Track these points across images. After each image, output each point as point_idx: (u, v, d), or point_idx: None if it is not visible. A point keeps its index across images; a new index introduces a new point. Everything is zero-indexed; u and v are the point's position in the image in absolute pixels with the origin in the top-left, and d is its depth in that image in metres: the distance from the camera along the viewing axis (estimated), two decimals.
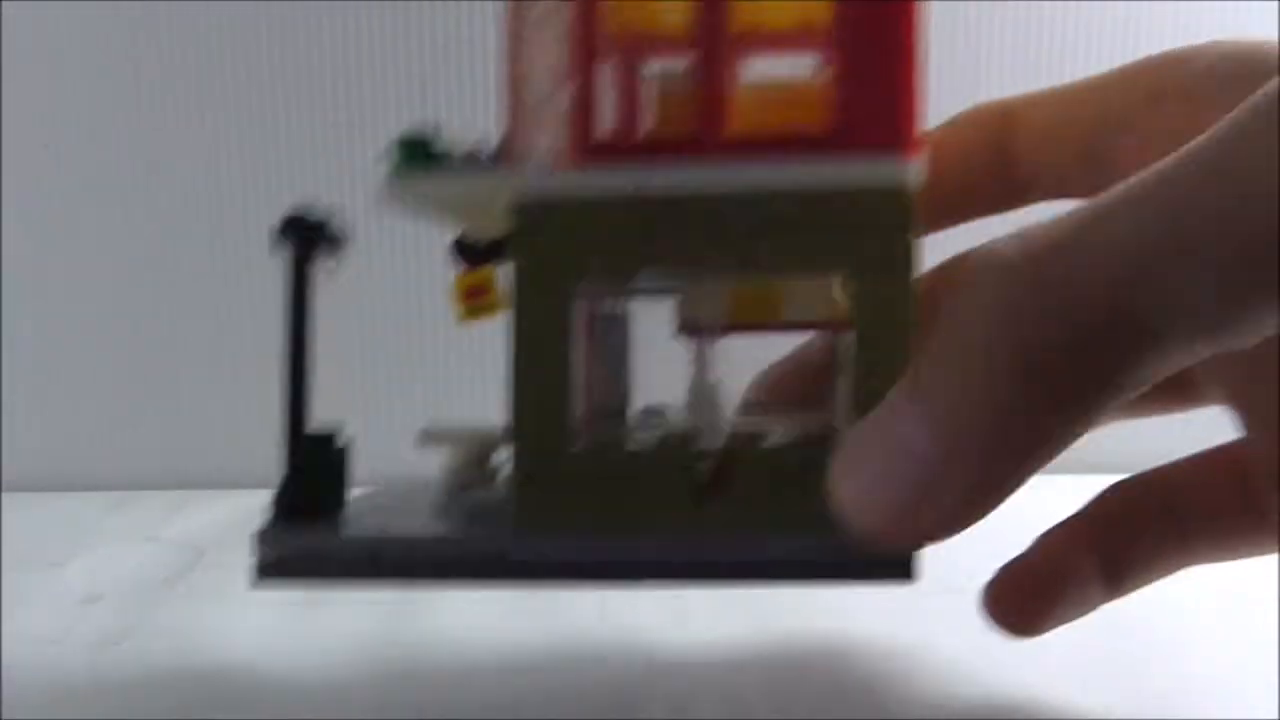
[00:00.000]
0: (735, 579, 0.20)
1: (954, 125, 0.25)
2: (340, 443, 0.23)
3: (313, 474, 0.23)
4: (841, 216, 0.19)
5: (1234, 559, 0.25)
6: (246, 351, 0.45)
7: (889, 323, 0.19)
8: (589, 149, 0.20)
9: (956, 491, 0.16)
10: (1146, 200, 0.14)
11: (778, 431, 0.21)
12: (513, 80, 0.21)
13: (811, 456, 0.19)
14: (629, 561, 0.20)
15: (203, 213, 0.44)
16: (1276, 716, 0.29)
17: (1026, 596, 0.25)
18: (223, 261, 0.45)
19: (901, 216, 0.19)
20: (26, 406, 0.46)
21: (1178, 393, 0.26)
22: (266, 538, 0.22)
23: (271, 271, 0.44)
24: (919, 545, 0.17)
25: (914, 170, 0.19)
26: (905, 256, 0.19)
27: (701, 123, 0.20)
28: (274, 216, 0.44)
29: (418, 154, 0.22)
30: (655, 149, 0.20)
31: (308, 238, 0.24)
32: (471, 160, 0.22)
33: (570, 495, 0.20)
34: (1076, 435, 0.15)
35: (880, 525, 0.16)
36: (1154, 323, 0.14)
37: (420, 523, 0.23)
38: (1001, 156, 0.24)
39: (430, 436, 0.26)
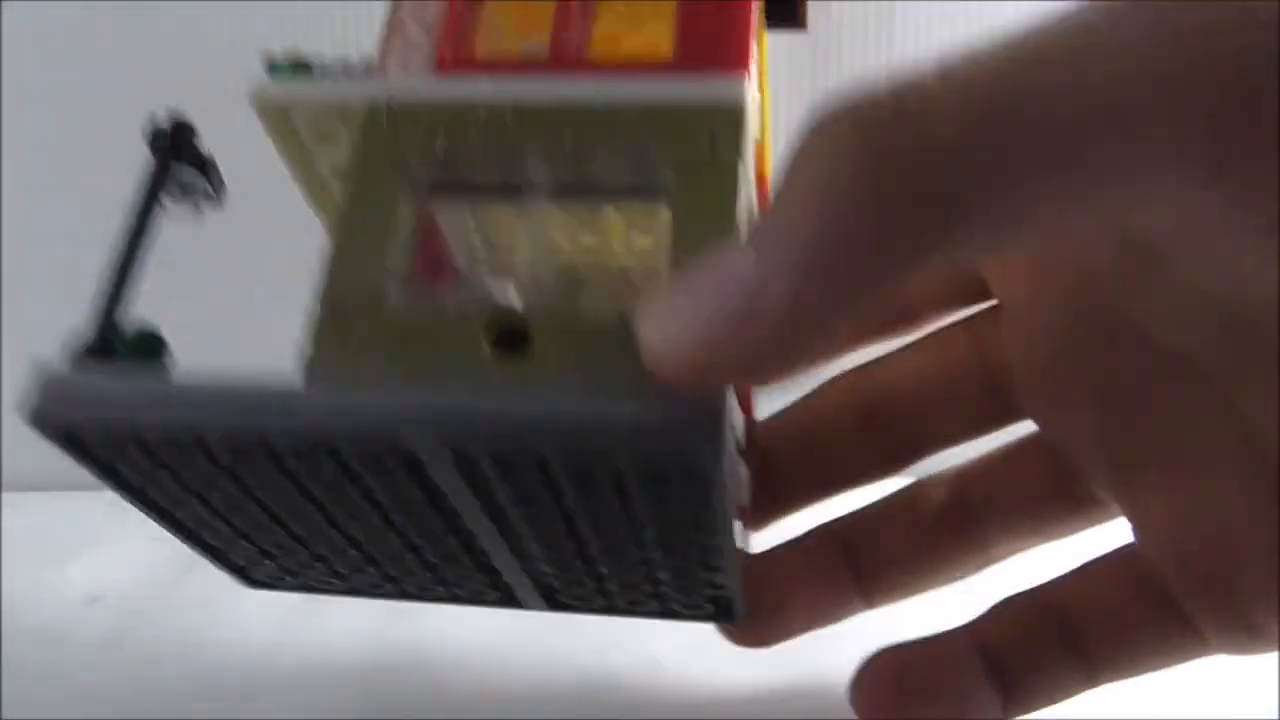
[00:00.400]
0: (528, 443, 0.17)
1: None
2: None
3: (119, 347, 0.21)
4: (679, 129, 0.20)
5: (1152, 669, 0.23)
6: (247, 350, 0.45)
7: (712, 209, 0.19)
8: (446, 61, 0.21)
9: (773, 315, 0.14)
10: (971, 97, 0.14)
11: (582, 287, 0.21)
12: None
13: (624, 317, 0.17)
14: (419, 416, 0.18)
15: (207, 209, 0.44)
16: (1276, 717, 0.29)
17: (905, 695, 0.23)
18: (223, 259, 0.45)
19: (734, 123, 0.19)
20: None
21: (1076, 506, 0.24)
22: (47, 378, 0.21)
23: (272, 272, 0.44)
24: (727, 382, 0.15)
25: (746, 86, 0.20)
26: (732, 158, 0.19)
27: (558, 44, 0.21)
28: (275, 217, 0.44)
29: (291, 67, 0.23)
30: (508, 65, 0.21)
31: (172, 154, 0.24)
32: (339, 71, 0.23)
33: (368, 347, 0.20)
34: (892, 277, 0.14)
35: (687, 356, 0.14)
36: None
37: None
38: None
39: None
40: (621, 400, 0.16)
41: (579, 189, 0.21)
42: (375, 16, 0.22)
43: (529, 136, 0.20)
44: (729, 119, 0.20)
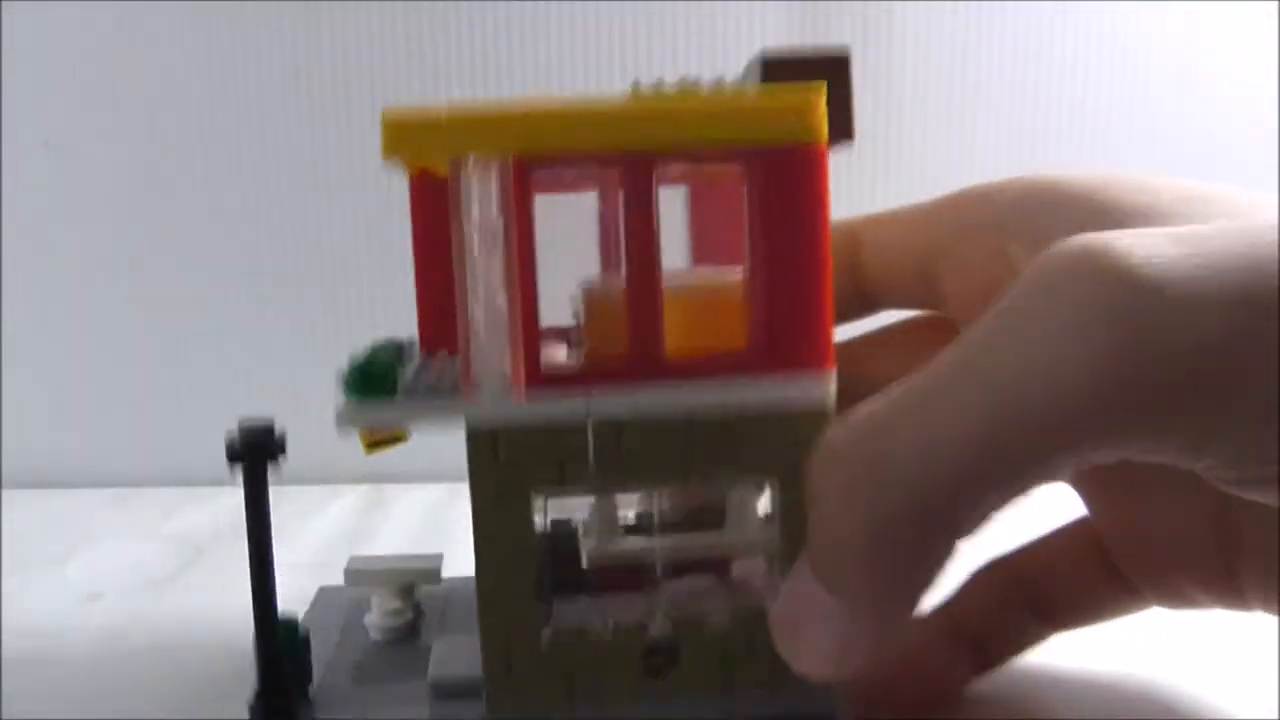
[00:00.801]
0: None
1: None
2: (301, 630, 0.25)
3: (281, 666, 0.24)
4: (771, 430, 0.22)
5: (1102, 622, 0.27)
6: (246, 348, 0.45)
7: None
8: (535, 378, 0.22)
9: (863, 638, 0.18)
10: (923, 404, 0.17)
11: (715, 610, 0.23)
12: (463, 311, 0.22)
13: (747, 629, 0.22)
14: None
15: (203, 212, 0.44)
16: (1276, 717, 0.29)
17: (894, 683, 0.25)
18: (223, 259, 0.45)
19: (822, 428, 0.20)
20: (27, 404, 0.46)
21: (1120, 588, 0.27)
22: None
23: (271, 272, 0.44)
24: (853, 674, 0.19)
25: (831, 384, 0.22)
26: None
27: (636, 352, 0.22)
28: (273, 217, 0.44)
29: (373, 384, 0.24)
30: (595, 376, 0.22)
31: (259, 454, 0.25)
32: (424, 390, 0.23)
33: (538, 684, 0.22)
34: (932, 579, 0.18)
35: (822, 670, 0.19)
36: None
37: (393, 705, 0.24)
38: (851, 273, 0.26)
39: (356, 576, 0.29)
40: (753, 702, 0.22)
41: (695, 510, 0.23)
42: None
43: (634, 445, 0.22)
44: (817, 421, 0.21)
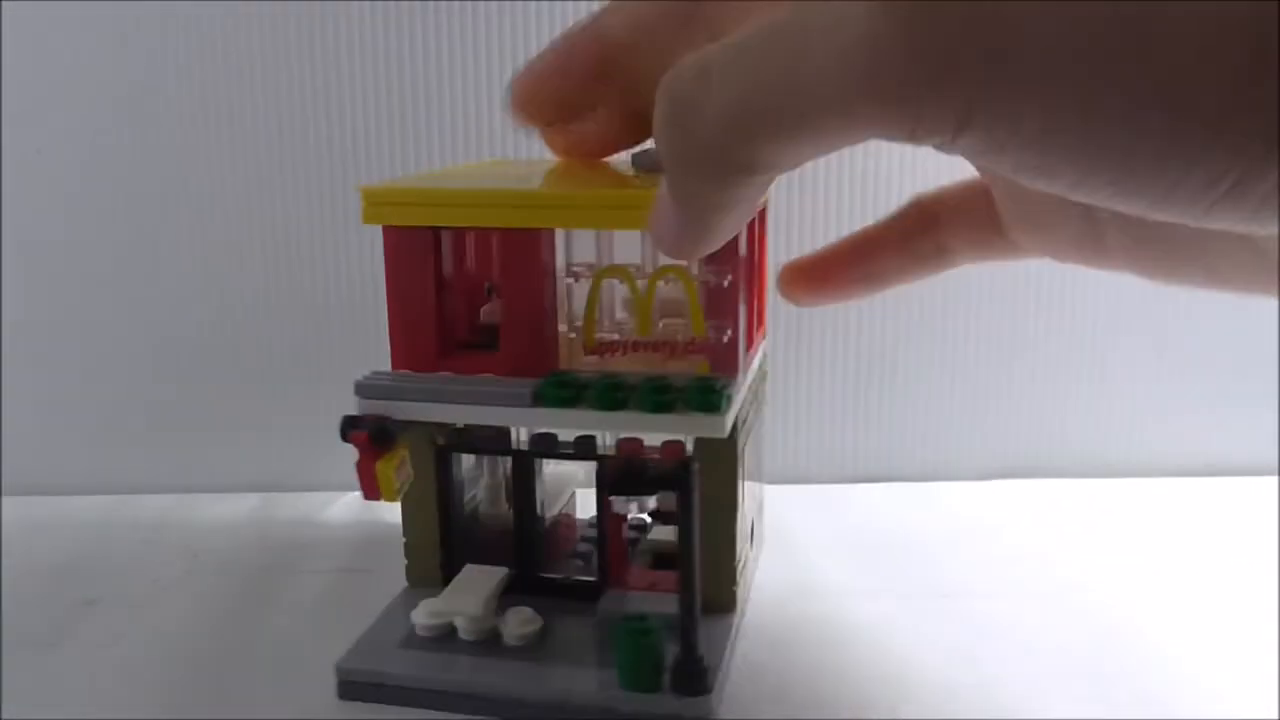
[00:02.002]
0: None
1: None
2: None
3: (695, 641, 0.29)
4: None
5: (990, 262, 0.31)
6: (246, 356, 0.45)
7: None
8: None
9: (686, 232, 0.22)
10: (736, 53, 0.20)
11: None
12: None
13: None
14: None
15: (205, 215, 0.44)
16: (1276, 717, 0.29)
17: (804, 278, 0.32)
18: (225, 263, 0.45)
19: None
20: (27, 410, 0.46)
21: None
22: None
23: (272, 272, 0.44)
24: (681, 259, 0.24)
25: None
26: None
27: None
28: (276, 223, 0.44)
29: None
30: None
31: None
32: None
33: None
34: (730, 198, 0.21)
35: (668, 251, 0.24)
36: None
37: None
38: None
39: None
40: None
41: None
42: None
43: None
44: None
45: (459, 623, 0.31)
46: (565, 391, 0.29)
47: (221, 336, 0.45)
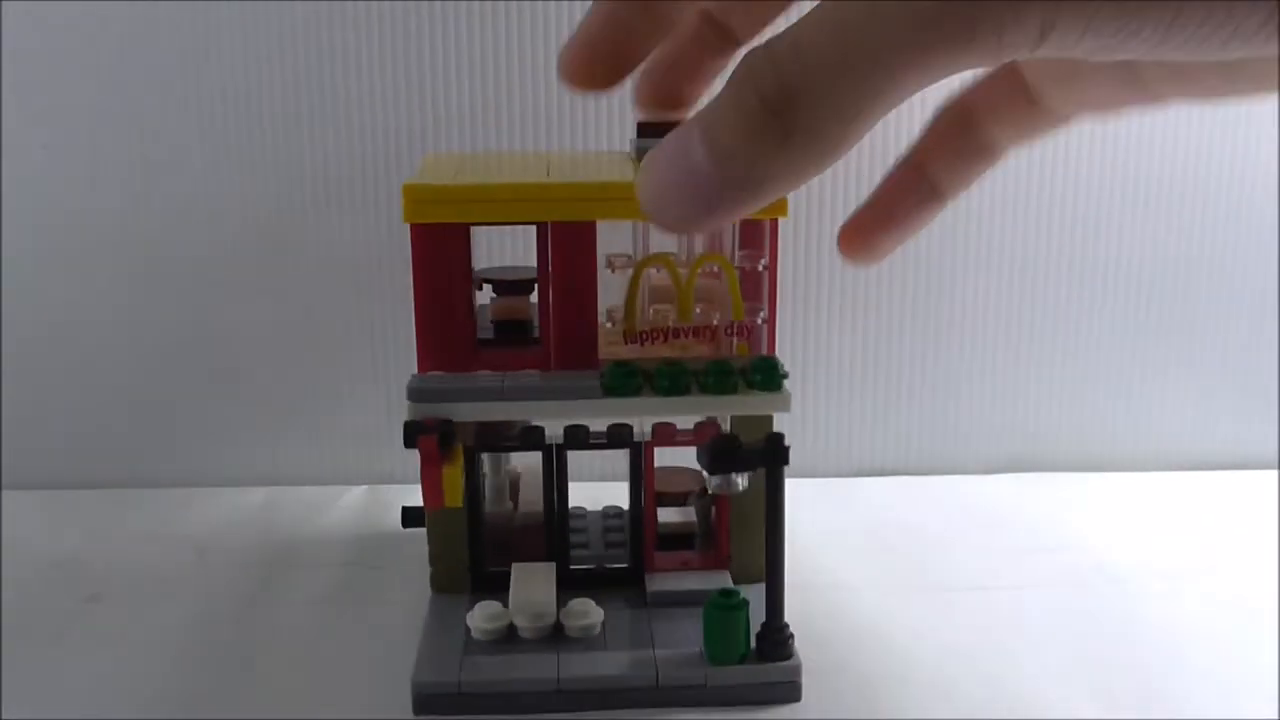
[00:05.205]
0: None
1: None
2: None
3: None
4: None
5: (1035, 141, 0.31)
6: (249, 350, 0.45)
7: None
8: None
9: (716, 189, 0.21)
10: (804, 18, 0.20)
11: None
12: None
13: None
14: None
15: (206, 212, 0.44)
16: (1276, 717, 0.29)
17: (866, 228, 0.31)
18: (226, 261, 0.44)
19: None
20: (29, 405, 0.46)
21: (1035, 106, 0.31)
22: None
23: (273, 272, 0.44)
24: (690, 229, 0.24)
25: None
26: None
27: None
28: (278, 219, 0.44)
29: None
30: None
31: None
32: None
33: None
34: (791, 161, 0.20)
35: (663, 215, 0.22)
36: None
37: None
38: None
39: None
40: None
41: None
42: None
43: None
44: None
45: (520, 622, 0.31)
46: (633, 380, 0.29)
47: (227, 329, 0.45)
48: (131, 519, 0.42)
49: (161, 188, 0.44)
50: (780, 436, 0.29)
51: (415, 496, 0.29)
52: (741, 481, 0.29)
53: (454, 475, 0.28)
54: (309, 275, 0.45)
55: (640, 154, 0.30)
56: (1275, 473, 0.45)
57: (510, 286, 0.34)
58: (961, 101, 0.31)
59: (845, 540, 0.40)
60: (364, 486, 0.45)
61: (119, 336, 0.45)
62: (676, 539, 0.36)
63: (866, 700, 0.30)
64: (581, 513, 0.37)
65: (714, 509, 0.35)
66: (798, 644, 0.30)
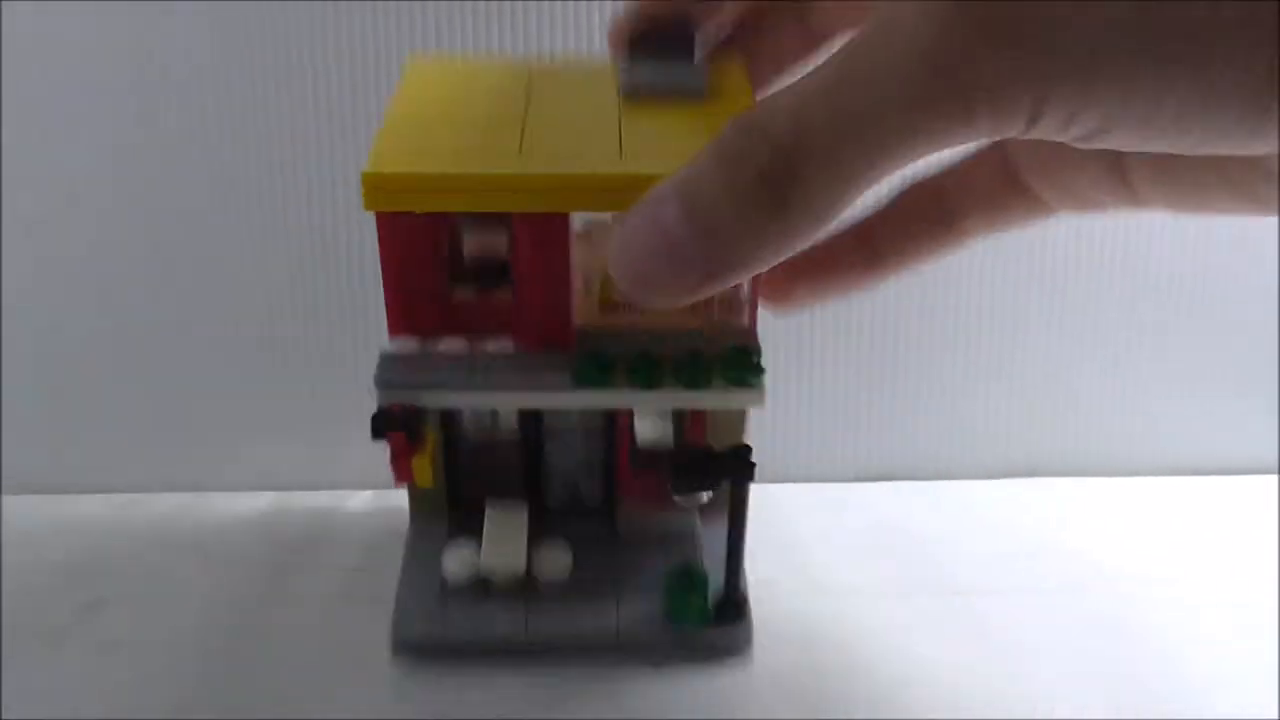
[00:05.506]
0: None
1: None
2: None
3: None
4: None
5: (1005, 231, 0.30)
6: (253, 354, 0.45)
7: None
8: None
9: (700, 264, 0.21)
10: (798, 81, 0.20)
11: None
12: None
13: None
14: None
15: (208, 213, 0.44)
16: (1276, 717, 0.29)
17: (791, 276, 0.30)
18: (233, 263, 0.45)
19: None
20: (29, 408, 0.46)
21: (1021, 194, 0.30)
22: None
23: (276, 270, 0.44)
24: (668, 305, 0.22)
25: None
26: None
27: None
28: (278, 221, 0.44)
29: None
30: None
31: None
32: None
33: None
34: (774, 241, 0.20)
35: (641, 292, 0.22)
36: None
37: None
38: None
39: None
40: None
41: None
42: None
43: None
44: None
45: (491, 575, 0.32)
46: (605, 375, 0.29)
47: (232, 332, 0.45)
48: (136, 522, 0.42)
49: (161, 187, 0.44)
50: (747, 449, 0.30)
51: None
52: (705, 496, 0.30)
53: (423, 463, 0.29)
54: (317, 277, 0.45)
55: (629, 83, 0.30)
56: (1276, 478, 0.45)
57: (486, 220, 0.32)
58: (937, 179, 0.30)
59: (846, 545, 0.40)
60: (371, 491, 0.45)
61: (123, 338, 0.45)
62: (652, 457, 0.34)
63: (867, 704, 0.30)
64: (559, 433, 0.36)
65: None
66: (798, 645, 0.30)
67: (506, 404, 0.31)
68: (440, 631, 0.31)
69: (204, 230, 0.44)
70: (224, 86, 0.43)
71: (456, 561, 0.32)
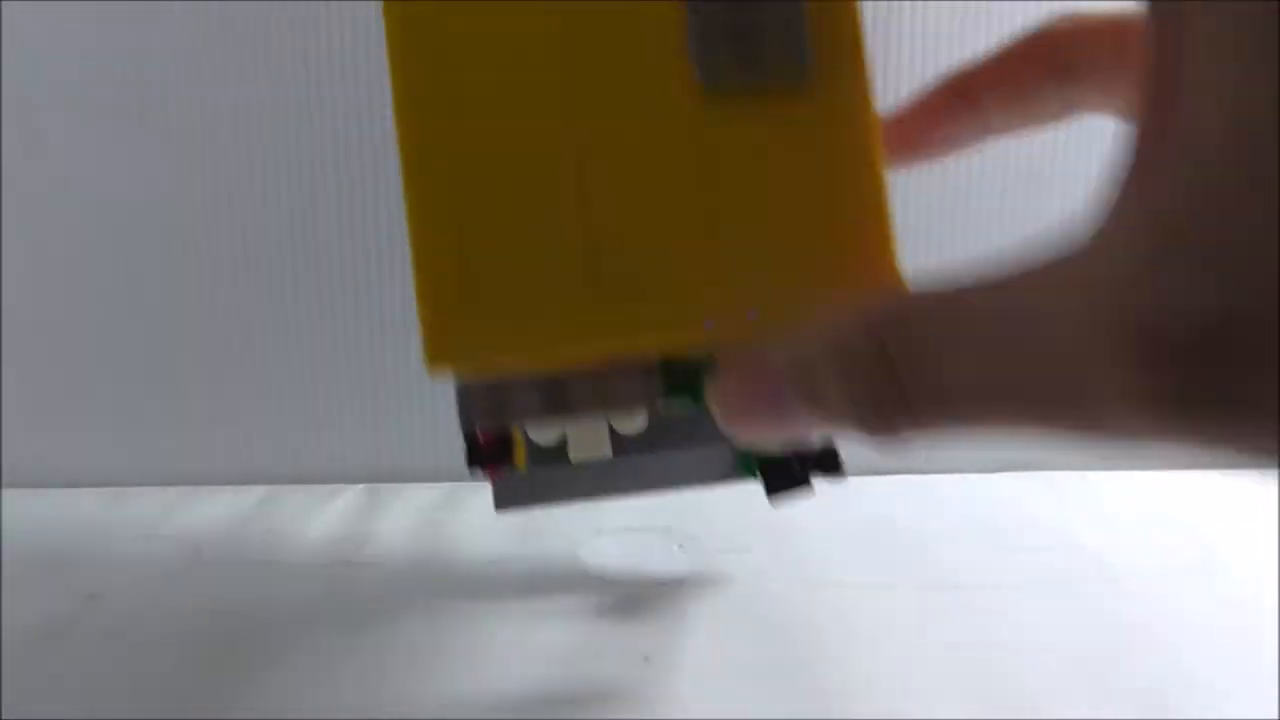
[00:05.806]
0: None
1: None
2: None
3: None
4: None
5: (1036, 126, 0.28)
6: (248, 348, 0.45)
7: None
8: None
9: (804, 427, 0.21)
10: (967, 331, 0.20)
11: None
12: None
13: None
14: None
15: (208, 208, 0.44)
16: (1276, 717, 0.29)
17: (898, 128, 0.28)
18: (227, 257, 0.45)
19: None
20: (27, 403, 0.46)
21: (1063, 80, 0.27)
22: None
23: (273, 268, 0.44)
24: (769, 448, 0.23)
25: None
26: None
27: None
28: (275, 216, 0.44)
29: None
30: None
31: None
32: None
33: None
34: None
35: (744, 439, 0.22)
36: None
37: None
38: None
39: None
40: None
41: None
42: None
43: None
44: None
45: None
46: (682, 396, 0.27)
47: (225, 326, 0.45)
48: (130, 517, 0.42)
49: (161, 187, 0.44)
50: (835, 452, 0.31)
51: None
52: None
53: (519, 455, 0.29)
54: (307, 272, 0.45)
55: (704, 62, 0.23)
56: (1275, 472, 0.45)
57: None
58: (1066, 41, 0.26)
59: (846, 539, 0.40)
60: (362, 485, 0.45)
61: (117, 334, 0.45)
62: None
63: (866, 698, 0.30)
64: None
65: None
66: (797, 645, 0.30)
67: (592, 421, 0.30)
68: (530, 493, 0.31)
69: (200, 230, 0.44)
70: (223, 86, 0.43)
71: (542, 435, 0.32)
